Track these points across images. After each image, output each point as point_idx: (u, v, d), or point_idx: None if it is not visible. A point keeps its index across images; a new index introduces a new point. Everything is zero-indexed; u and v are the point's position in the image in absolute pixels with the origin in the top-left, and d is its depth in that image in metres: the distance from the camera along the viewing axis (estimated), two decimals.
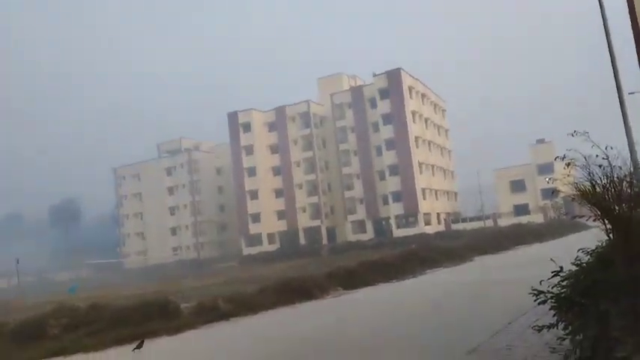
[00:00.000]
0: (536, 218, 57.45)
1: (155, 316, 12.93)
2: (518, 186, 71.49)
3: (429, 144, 66.66)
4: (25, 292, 39.63)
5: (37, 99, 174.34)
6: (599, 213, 6.35)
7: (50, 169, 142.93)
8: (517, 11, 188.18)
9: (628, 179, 5.98)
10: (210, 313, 13.59)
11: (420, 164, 62.18)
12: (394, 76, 62.12)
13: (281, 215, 69.36)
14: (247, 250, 66.47)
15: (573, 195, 7.18)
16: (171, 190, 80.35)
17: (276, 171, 70.07)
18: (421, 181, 61.42)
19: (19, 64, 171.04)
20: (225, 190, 79.83)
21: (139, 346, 10.14)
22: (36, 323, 12.89)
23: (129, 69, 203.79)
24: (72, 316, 13.30)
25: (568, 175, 7.20)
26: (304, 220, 67.77)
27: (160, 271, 61.27)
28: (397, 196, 61.53)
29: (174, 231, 79.33)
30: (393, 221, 61.67)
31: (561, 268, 5.89)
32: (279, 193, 69.76)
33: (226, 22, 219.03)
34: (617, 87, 12.01)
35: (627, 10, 7.17)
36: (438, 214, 64.97)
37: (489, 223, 60.57)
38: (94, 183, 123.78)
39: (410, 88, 63.51)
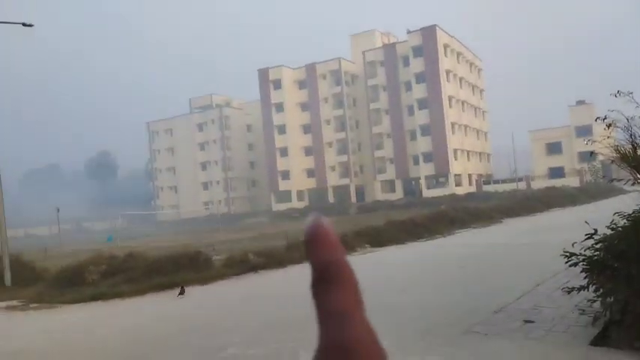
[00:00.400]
0: (572, 182, 56.09)
1: (187, 267, 13.37)
2: (554, 148, 69.56)
3: (463, 104, 65.12)
4: (64, 239, 41.42)
5: (75, 56, 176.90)
6: (639, 176, 6.16)
7: (86, 122, 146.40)
8: None
9: None
10: (240, 265, 13.96)
11: (453, 124, 60.99)
12: (429, 34, 60.22)
13: (310, 173, 69.71)
14: (277, 207, 67.41)
15: (613, 157, 6.96)
16: (202, 146, 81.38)
17: (306, 129, 69.93)
18: (453, 141, 60.40)
19: (58, 24, 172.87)
20: (255, 146, 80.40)
21: (181, 292, 10.76)
22: (76, 269, 13.51)
23: (161, 25, 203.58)
24: (109, 264, 13.88)
25: (608, 137, 6.96)
26: (333, 179, 68.00)
27: (191, 224, 63.00)
28: (428, 157, 60.86)
29: (205, 186, 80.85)
30: (423, 181, 61.25)
31: (595, 231, 5.79)
32: (308, 151, 69.87)
33: None
34: None
35: None
36: (470, 175, 64.13)
37: (522, 185, 59.50)
38: (129, 137, 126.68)
39: (445, 46, 61.59)
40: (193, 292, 11.56)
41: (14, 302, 12.06)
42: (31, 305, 11.54)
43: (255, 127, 79.43)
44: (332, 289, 0.32)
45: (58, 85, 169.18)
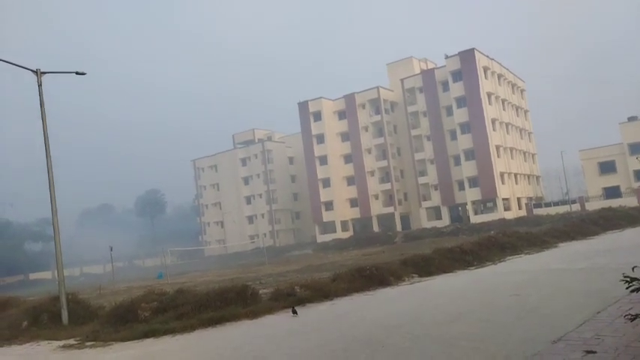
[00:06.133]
0: (629, 201, 53.43)
1: (235, 301, 13.45)
2: (607, 167, 66.52)
3: (507, 126, 63.82)
4: (117, 277, 42.69)
5: (124, 100, 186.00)
6: None
7: (136, 162, 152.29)
8: None
9: None
10: (287, 298, 13.93)
11: (497, 147, 59.74)
12: (468, 57, 59.82)
13: (354, 203, 69.51)
14: (321, 238, 67.32)
15: None
16: (246, 180, 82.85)
17: (348, 159, 70.13)
18: (499, 164, 59.04)
19: (108, 69, 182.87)
20: (298, 178, 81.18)
21: (294, 312, 12.08)
22: (129, 307, 13.82)
23: (203, 64, 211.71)
24: (160, 300, 14.13)
25: None
26: (377, 207, 67.51)
27: (238, 258, 63.71)
28: (474, 181, 59.63)
29: (250, 219, 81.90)
30: (470, 207, 59.87)
31: None
32: (350, 181, 69.87)
33: (296, 9, 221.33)
34: None
35: None
36: (519, 199, 62.25)
37: (576, 207, 57.16)
38: (176, 174, 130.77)
39: (485, 69, 60.98)
40: (241, 327, 11.59)
41: (71, 341, 12.41)
42: (87, 343, 11.84)
43: (297, 160, 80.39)
44: None
45: (108, 127, 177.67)
